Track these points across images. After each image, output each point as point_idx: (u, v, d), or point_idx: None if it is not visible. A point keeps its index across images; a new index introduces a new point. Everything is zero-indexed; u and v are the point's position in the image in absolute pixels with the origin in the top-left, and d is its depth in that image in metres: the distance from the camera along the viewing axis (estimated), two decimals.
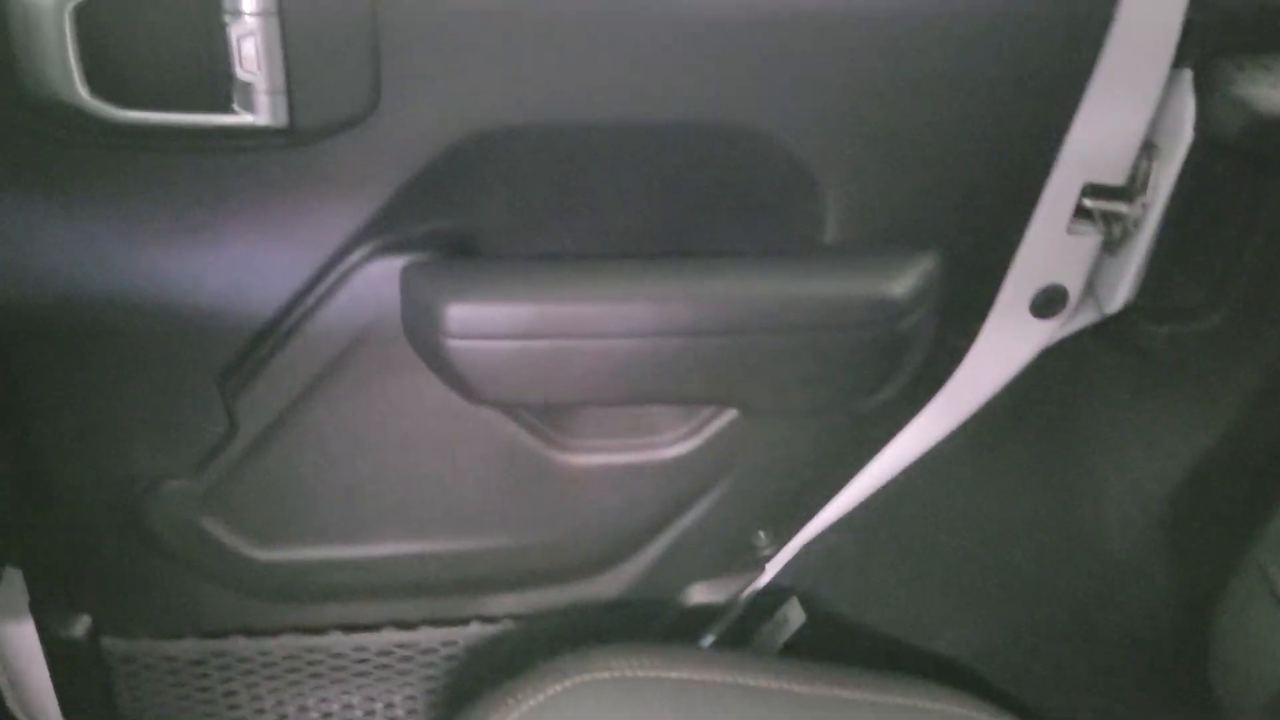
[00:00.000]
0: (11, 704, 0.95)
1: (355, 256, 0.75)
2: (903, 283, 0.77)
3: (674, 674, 0.77)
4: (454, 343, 0.73)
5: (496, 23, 0.67)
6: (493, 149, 0.72)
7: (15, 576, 0.90)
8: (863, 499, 0.97)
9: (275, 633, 0.94)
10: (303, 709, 1.00)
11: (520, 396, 0.79)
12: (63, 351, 0.75)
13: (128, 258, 0.72)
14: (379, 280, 0.75)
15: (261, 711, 1.00)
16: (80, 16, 0.62)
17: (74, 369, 0.76)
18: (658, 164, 0.75)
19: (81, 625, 0.91)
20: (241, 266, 0.74)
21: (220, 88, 0.66)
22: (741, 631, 1.06)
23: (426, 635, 0.97)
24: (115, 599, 0.91)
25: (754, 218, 0.78)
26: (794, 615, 1.05)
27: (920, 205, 0.78)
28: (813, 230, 0.78)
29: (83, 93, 0.64)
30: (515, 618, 0.98)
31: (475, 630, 0.98)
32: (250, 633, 0.94)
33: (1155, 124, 0.76)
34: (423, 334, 0.75)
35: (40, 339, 0.75)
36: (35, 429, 0.79)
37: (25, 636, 0.91)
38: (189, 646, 0.93)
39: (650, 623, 1.01)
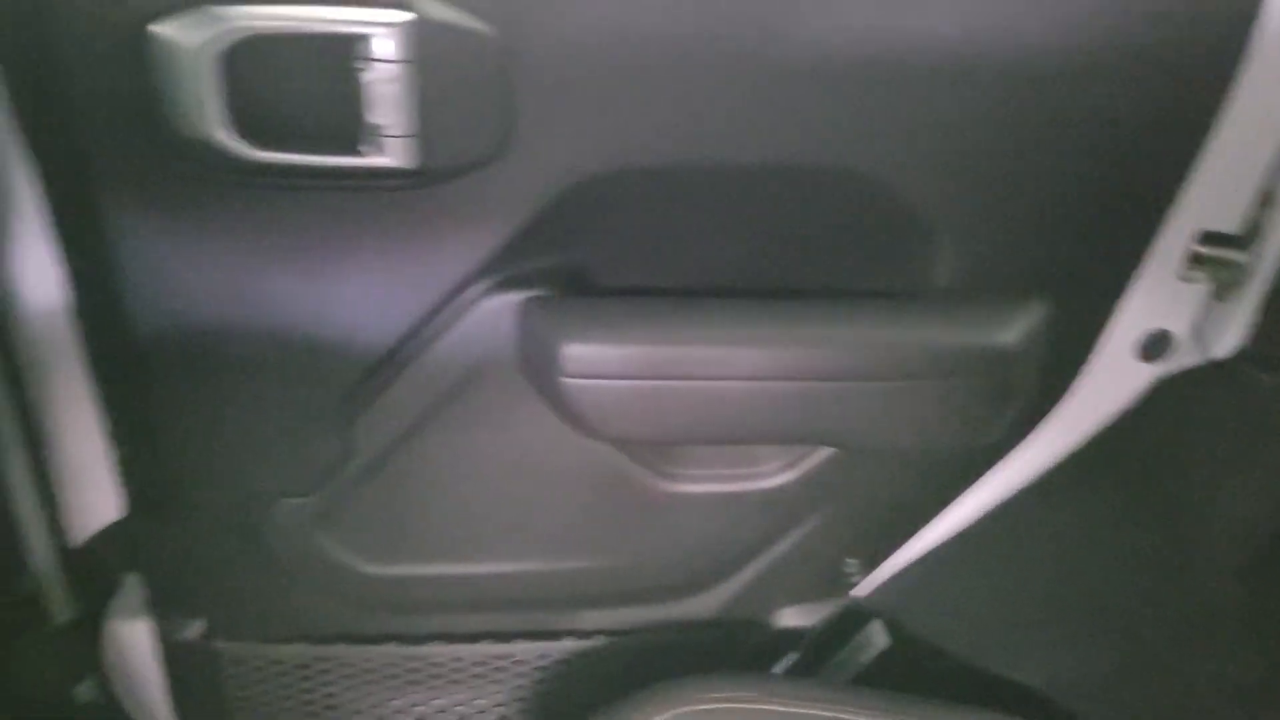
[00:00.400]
0: (126, 703, 0.99)
1: (473, 291, 0.77)
2: (1013, 331, 0.78)
3: (773, 706, 0.78)
4: (570, 381, 0.75)
5: (619, 69, 0.69)
6: (610, 189, 0.73)
7: (134, 582, 0.94)
8: (958, 529, 0.97)
9: (377, 641, 0.97)
10: (398, 712, 1.03)
11: (632, 433, 0.81)
12: (196, 373, 0.79)
13: (259, 288, 0.75)
14: (495, 315, 0.77)
15: (358, 713, 1.03)
16: (224, 61, 0.65)
17: (206, 390, 0.80)
18: (768, 205, 0.76)
19: (196, 628, 0.95)
20: (365, 298, 0.76)
21: (352, 130, 0.68)
22: (824, 652, 1.08)
23: (521, 648, 1.00)
24: (229, 604, 0.94)
25: (862, 260, 0.79)
26: (878, 639, 1.06)
27: (1032, 248, 0.78)
28: (922, 273, 0.78)
29: (223, 133, 0.67)
30: (608, 634, 1.00)
31: (568, 645, 1.00)
32: (354, 640, 0.97)
33: (1274, 172, 0.75)
34: (539, 370, 0.77)
35: (176, 361, 0.78)
36: (166, 445, 0.82)
37: (140, 638, 0.95)
38: (295, 651, 0.97)
39: (738, 643, 1.03)
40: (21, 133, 0.70)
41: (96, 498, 0.86)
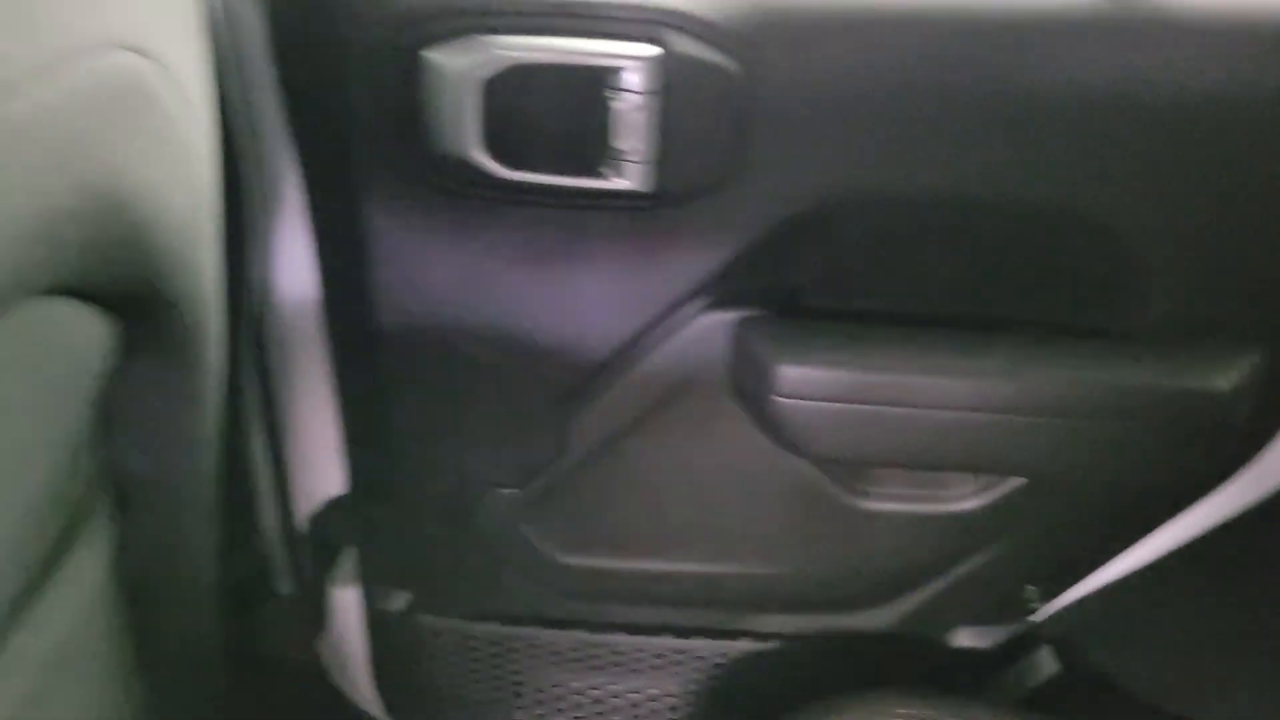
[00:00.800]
0: (331, 666, 1.07)
1: (691, 307, 0.81)
2: (1225, 377, 0.77)
3: None
4: (782, 401, 0.78)
5: (849, 104, 0.72)
6: (831, 216, 0.76)
7: (351, 554, 1.02)
8: (1144, 563, 0.97)
9: (566, 626, 1.03)
10: (577, 694, 1.09)
11: (837, 454, 0.83)
12: (428, 369, 0.85)
13: (494, 293, 0.81)
14: (711, 330, 0.81)
15: (540, 691, 1.09)
16: (486, 86, 0.70)
17: (435, 385, 0.86)
18: (985, 238, 0.78)
19: (401, 600, 1.02)
20: (588, 309, 0.81)
21: (595, 154, 0.73)
22: (993, 671, 1.09)
23: (700, 644, 1.04)
24: (434, 581, 1.01)
25: (1076, 297, 0.80)
26: (1048, 664, 1.07)
27: (1247, 295, 0.78)
28: (1137, 313, 0.79)
29: (479, 152, 0.72)
30: (784, 638, 1.03)
31: (745, 645, 1.04)
32: (544, 624, 1.03)
33: None
34: (751, 388, 0.80)
35: (411, 356, 0.84)
36: (393, 431, 0.89)
37: (350, 605, 1.03)
38: (490, 629, 1.03)
39: (911, 658, 1.05)
40: (292, 139, 0.77)
41: (323, 476, 0.93)
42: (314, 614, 0.99)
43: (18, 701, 0.52)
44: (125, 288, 0.52)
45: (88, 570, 0.59)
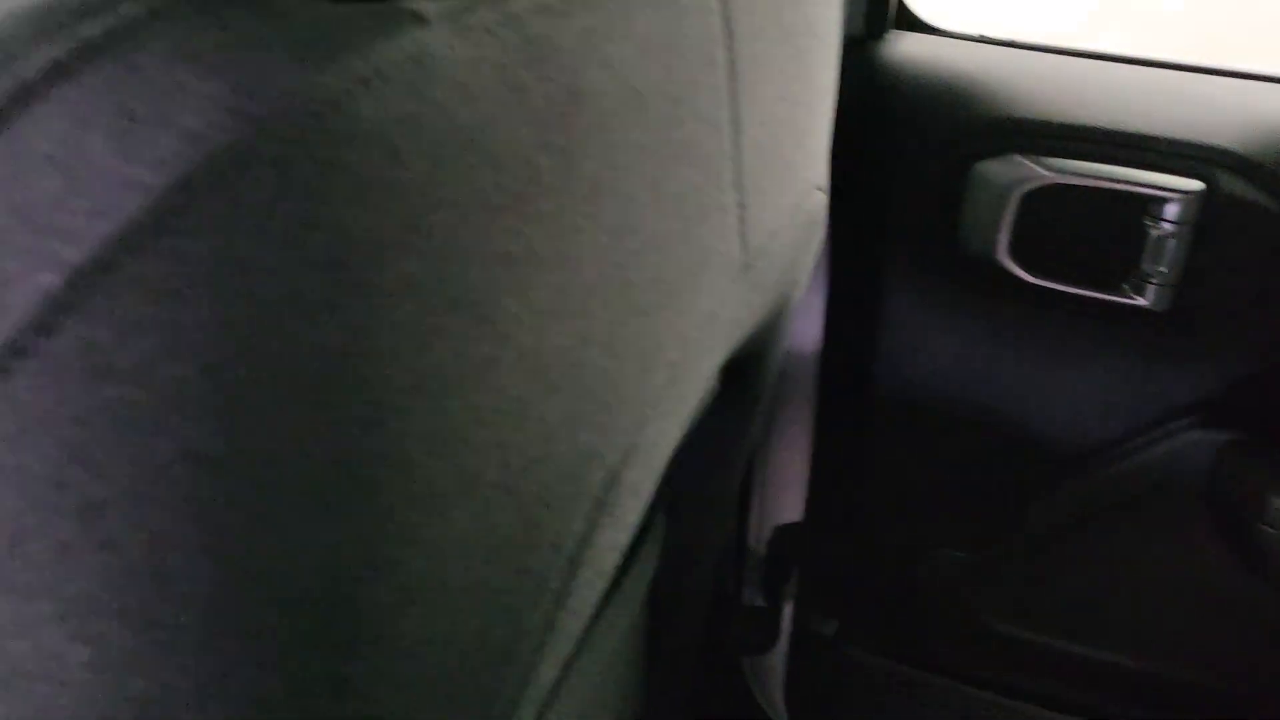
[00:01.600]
0: (748, 674, 1.18)
1: (1180, 422, 0.84)
2: None
3: None
4: (1271, 532, 0.80)
5: None
6: None
7: (794, 576, 1.13)
8: None
9: (984, 686, 1.08)
10: None
11: None
12: (907, 429, 0.94)
13: (988, 375, 0.88)
14: (1194, 446, 0.84)
15: None
16: (1025, 199, 0.77)
17: (910, 444, 0.95)
18: None
19: (830, 626, 1.11)
20: (1077, 405, 0.86)
21: (1118, 271, 0.78)
22: None
23: None
24: (865, 615, 1.10)
25: None
26: None
27: None
28: None
29: (1008, 258, 0.80)
30: None
31: None
32: (963, 679, 1.09)
33: None
34: (1234, 512, 0.82)
35: (894, 415, 0.93)
36: (860, 477, 0.99)
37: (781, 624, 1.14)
38: (909, 672, 1.11)
39: None
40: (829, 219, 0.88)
41: (786, 504, 1.05)
42: (771, 628, 1.11)
43: (593, 684, 0.64)
44: (749, 358, 0.64)
45: (648, 573, 0.73)
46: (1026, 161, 0.77)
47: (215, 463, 0.23)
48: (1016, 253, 0.80)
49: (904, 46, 0.85)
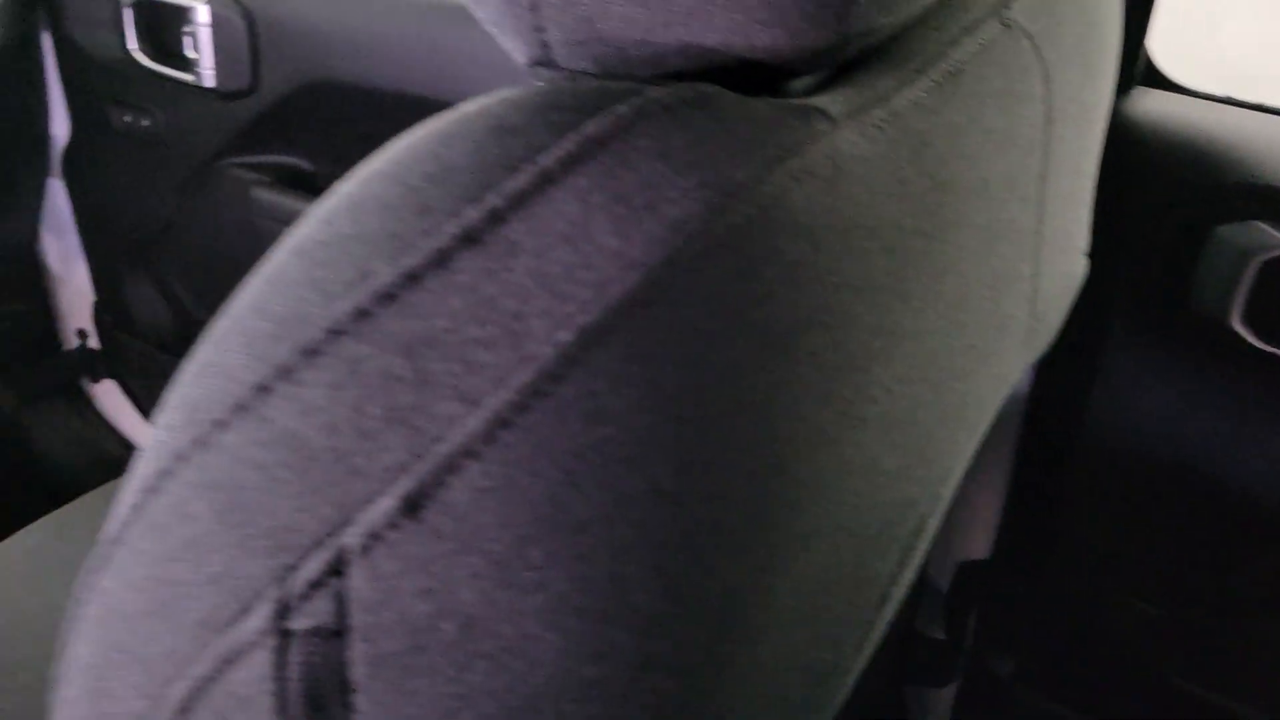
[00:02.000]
0: (910, 699, 1.20)
1: None
2: None
3: None
4: None
5: None
6: None
7: (974, 612, 1.14)
8: None
9: None
10: None
11: None
12: (1108, 481, 0.94)
13: (1200, 434, 0.88)
14: None
15: None
16: (1264, 267, 0.78)
17: (1110, 495, 0.95)
18: None
19: (1006, 666, 1.12)
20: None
21: None
22: None
23: None
24: (1044, 659, 1.10)
25: None
26: None
27: None
28: None
29: (1240, 323, 0.80)
30: None
31: None
32: None
33: None
34: None
35: (1096, 466, 0.94)
36: (1053, 522, 0.99)
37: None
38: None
39: None
40: None
41: (974, 541, 1.06)
42: (950, 662, 1.13)
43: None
44: None
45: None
46: (1269, 229, 0.77)
47: (672, 498, 0.27)
48: (1252, 321, 0.80)
49: (1150, 104, 0.86)
